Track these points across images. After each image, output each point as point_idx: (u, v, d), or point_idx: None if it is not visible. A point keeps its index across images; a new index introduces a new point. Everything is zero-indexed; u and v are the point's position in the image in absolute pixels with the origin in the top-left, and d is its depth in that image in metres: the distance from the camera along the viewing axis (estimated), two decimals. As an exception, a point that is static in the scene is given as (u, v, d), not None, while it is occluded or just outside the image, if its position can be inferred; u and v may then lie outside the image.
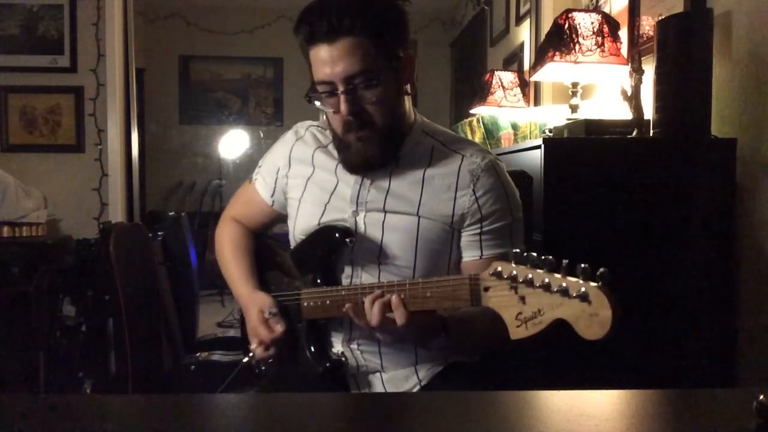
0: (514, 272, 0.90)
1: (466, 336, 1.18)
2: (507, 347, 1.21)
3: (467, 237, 1.23)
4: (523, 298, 0.89)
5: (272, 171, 1.39)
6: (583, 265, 0.82)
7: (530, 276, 0.87)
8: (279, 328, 1.27)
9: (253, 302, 1.32)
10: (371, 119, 1.17)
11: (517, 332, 0.90)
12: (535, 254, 0.88)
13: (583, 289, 0.81)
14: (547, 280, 0.85)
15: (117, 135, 3.46)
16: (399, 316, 1.05)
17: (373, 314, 1.07)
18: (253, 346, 1.30)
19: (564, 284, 0.83)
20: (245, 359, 1.32)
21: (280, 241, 1.45)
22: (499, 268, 0.93)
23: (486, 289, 0.96)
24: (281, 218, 1.43)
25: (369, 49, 1.12)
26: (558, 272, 0.85)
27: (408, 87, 1.23)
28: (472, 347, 1.27)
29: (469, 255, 1.23)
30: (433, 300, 1.05)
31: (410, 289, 1.07)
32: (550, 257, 0.86)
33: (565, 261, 0.85)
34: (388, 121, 1.18)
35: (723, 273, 1.74)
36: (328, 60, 1.13)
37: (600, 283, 0.81)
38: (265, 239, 1.48)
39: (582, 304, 0.81)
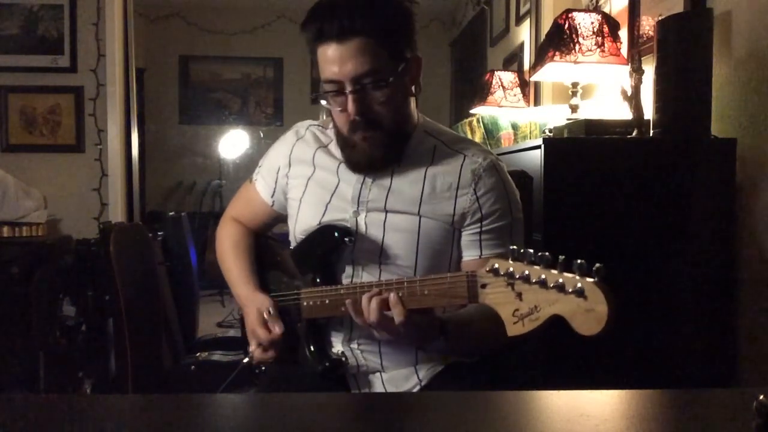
0: (511, 269, 0.90)
1: (466, 338, 1.18)
2: (506, 346, 1.21)
3: (467, 236, 1.23)
4: (519, 295, 0.89)
5: (272, 171, 1.39)
6: (579, 261, 0.81)
7: (527, 272, 0.87)
8: (277, 329, 1.27)
9: (252, 303, 1.32)
10: (378, 120, 1.17)
11: (514, 329, 0.90)
12: (532, 251, 0.88)
13: (579, 285, 0.81)
14: (543, 276, 0.85)
15: (117, 135, 3.46)
16: (397, 314, 1.05)
17: (371, 311, 1.07)
18: (251, 347, 1.30)
19: (560, 280, 0.83)
20: (245, 360, 1.32)
21: (281, 241, 1.45)
22: (496, 265, 0.92)
23: (483, 286, 0.96)
24: (281, 218, 1.43)
25: (378, 50, 1.13)
26: (554, 268, 0.85)
27: (414, 88, 1.23)
28: (471, 349, 1.27)
29: (469, 254, 1.23)
30: (430, 297, 1.05)
31: (408, 287, 1.07)
32: (547, 254, 0.86)
33: (561, 257, 0.84)
34: (394, 122, 1.19)
35: (723, 273, 1.74)
36: (337, 59, 1.13)
37: (596, 279, 0.80)
38: (266, 239, 1.48)
39: (578, 300, 0.81)
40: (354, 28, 1.11)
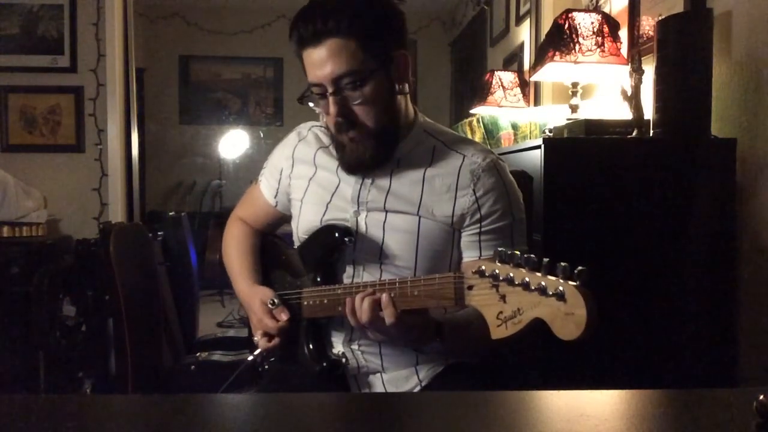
0: (496, 271, 0.89)
1: (462, 340, 1.18)
2: (497, 349, 1.21)
3: (467, 237, 1.23)
4: (503, 297, 0.88)
5: (275, 172, 1.40)
6: (563, 264, 0.81)
7: (511, 275, 0.86)
8: (284, 316, 1.26)
9: (254, 295, 1.32)
10: (360, 120, 1.18)
11: (497, 332, 0.89)
12: (518, 253, 0.87)
13: (560, 288, 0.80)
14: (527, 278, 0.84)
15: (117, 135, 3.46)
16: (388, 315, 1.06)
17: (363, 311, 1.08)
18: (257, 338, 1.30)
19: (543, 283, 0.82)
20: (250, 357, 1.33)
21: (286, 240, 1.46)
22: (482, 267, 0.92)
23: (470, 288, 0.95)
24: (286, 219, 1.43)
25: (355, 50, 1.13)
26: (538, 271, 0.84)
27: (404, 86, 1.22)
28: (468, 351, 1.27)
29: (469, 255, 1.23)
30: (420, 298, 1.05)
31: (400, 287, 1.07)
32: (533, 256, 0.85)
33: (546, 259, 0.83)
34: (378, 121, 1.18)
35: (723, 273, 1.74)
36: (316, 62, 1.14)
37: (578, 282, 0.79)
38: (272, 238, 1.48)
39: (558, 303, 0.80)
40: (328, 30, 1.12)
